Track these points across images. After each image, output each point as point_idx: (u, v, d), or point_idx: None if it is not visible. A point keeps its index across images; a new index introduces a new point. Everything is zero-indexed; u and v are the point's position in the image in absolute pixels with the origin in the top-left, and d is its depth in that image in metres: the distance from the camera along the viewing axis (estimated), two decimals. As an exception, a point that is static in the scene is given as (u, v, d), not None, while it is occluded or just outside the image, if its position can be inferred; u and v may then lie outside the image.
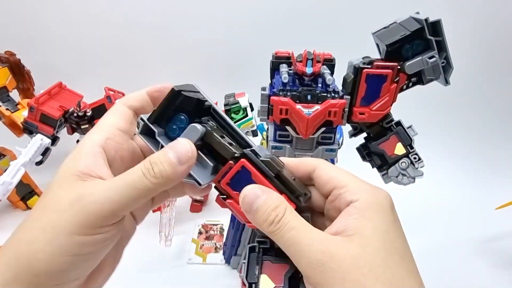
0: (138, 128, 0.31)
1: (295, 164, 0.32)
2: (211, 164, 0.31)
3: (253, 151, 0.30)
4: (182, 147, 0.28)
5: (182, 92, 0.29)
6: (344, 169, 0.31)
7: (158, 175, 0.27)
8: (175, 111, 0.30)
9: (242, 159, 0.30)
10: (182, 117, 0.30)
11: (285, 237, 0.26)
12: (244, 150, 0.30)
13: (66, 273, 0.26)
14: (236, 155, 0.30)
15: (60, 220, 0.26)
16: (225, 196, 0.32)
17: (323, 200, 0.32)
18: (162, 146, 0.30)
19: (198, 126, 0.29)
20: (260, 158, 0.30)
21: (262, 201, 0.28)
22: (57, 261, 0.25)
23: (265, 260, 0.34)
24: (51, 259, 0.25)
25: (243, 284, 0.74)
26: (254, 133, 0.83)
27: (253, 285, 0.33)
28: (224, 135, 0.31)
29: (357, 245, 0.25)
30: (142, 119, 0.30)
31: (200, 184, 0.30)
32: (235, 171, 0.30)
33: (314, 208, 0.33)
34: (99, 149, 0.29)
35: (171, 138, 0.30)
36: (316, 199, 0.32)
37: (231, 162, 0.30)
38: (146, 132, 0.30)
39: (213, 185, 0.32)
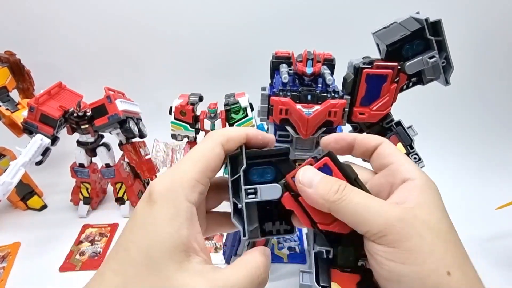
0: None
1: (365, 137, 0.34)
2: (257, 224, 0.33)
3: (333, 152, 0.31)
4: (269, 265, 0.30)
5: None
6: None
7: (261, 283, 0.28)
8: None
9: (326, 157, 0.30)
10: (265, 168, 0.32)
11: (354, 202, 0.28)
12: (327, 151, 0.31)
13: None
14: (320, 155, 0.31)
15: None
16: (294, 194, 0.32)
17: (371, 175, 0.34)
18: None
19: (278, 185, 0.31)
20: (341, 162, 0.31)
21: (322, 176, 0.29)
22: None
23: (332, 269, 0.34)
24: None
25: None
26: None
27: None
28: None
29: (421, 213, 0.27)
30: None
31: (244, 235, 0.31)
32: (316, 168, 0.30)
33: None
34: (194, 210, 0.28)
35: (250, 181, 0.31)
36: (365, 178, 0.34)
37: (311, 159, 0.31)
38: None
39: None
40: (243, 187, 0.30)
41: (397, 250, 0.26)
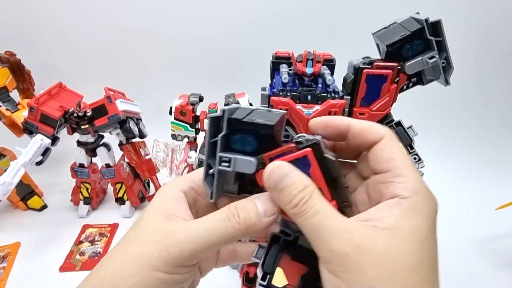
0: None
1: (361, 128, 0.29)
2: (232, 186, 0.32)
3: (319, 144, 0.28)
4: (270, 201, 0.29)
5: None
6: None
7: (242, 221, 0.27)
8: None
9: (308, 149, 0.28)
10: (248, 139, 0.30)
11: (308, 222, 0.26)
12: (313, 139, 0.28)
13: None
14: (305, 144, 0.28)
15: (146, 253, 0.27)
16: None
17: (369, 171, 0.30)
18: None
19: (253, 160, 0.29)
20: (325, 155, 0.28)
21: (290, 180, 0.27)
22: None
23: (285, 254, 0.32)
24: None
25: (243, 284, 0.74)
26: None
27: (268, 276, 0.32)
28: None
29: (387, 241, 0.24)
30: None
31: (211, 199, 0.30)
32: (294, 158, 0.28)
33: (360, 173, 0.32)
34: (182, 194, 0.31)
35: (231, 149, 0.30)
36: (361, 167, 0.31)
37: (292, 145, 0.28)
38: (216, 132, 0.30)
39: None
40: (218, 154, 0.29)
41: (337, 279, 0.25)
